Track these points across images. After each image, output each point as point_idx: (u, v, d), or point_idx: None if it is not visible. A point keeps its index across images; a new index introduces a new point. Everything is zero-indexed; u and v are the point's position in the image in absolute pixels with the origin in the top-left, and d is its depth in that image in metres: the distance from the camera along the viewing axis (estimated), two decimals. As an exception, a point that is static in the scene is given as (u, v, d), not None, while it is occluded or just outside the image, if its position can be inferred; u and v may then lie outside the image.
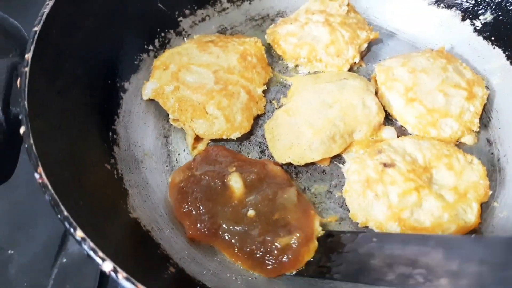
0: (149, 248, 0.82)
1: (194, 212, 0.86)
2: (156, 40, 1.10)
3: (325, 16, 1.14)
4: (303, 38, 1.13)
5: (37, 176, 0.67)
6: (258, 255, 0.82)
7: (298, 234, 0.81)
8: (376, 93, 1.06)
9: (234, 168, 0.90)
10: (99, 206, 0.80)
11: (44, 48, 0.81)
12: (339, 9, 1.17)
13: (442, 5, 1.18)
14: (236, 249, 0.83)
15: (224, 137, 0.99)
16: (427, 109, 1.01)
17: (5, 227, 1.08)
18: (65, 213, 0.64)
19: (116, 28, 1.01)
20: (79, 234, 0.62)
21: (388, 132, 1.02)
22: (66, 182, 0.73)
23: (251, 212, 0.85)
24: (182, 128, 1.03)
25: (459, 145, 1.01)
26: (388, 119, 1.06)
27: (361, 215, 0.90)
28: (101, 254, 0.61)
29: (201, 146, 1.01)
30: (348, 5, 1.18)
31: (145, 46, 1.09)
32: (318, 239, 0.84)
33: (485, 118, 1.05)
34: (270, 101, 1.09)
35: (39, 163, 0.68)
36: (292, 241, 0.81)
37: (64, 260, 0.97)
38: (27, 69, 0.77)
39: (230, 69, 1.06)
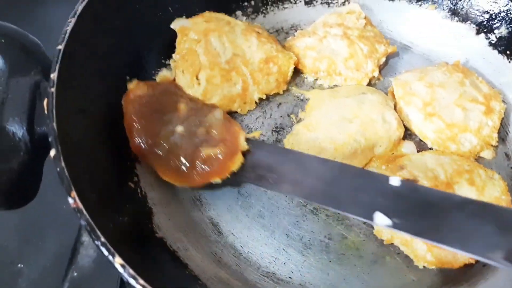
0: (179, 269, 0.81)
1: (139, 126, 0.91)
2: (173, 54, 1.09)
3: (343, 29, 1.14)
4: (322, 52, 1.13)
5: (71, 201, 0.66)
6: (184, 167, 0.88)
7: (222, 147, 0.90)
8: (395, 108, 1.07)
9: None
10: (127, 227, 0.79)
11: (68, 66, 0.80)
12: (357, 22, 1.17)
13: (456, 18, 1.19)
14: (165, 164, 0.89)
15: None
16: (446, 124, 1.02)
17: (14, 240, 1.07)
18: (103, 239, 0.63)
19: (135, 44, 1.01)
20: (119, 261, 0.61)
21: (408, 146, 1.02)
22: (96, 205, 0.72)
23: (179, 128, 0.92)
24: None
25: (478, 159, 1.02)
26: (407, 133, 1.06)
27: (386, 232, 0.90)
28: (141, 281, 0.60)
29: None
30: (365, 18, 1.18)
31: (163, 61, 1.09)
32: (244, 153, 0.92)
33: (502, 133, 1.06)
34: (288, 115, 1.09)
35: (72, 187, 0.67)
36: (218, 152, 0.89)
37: (75, 274, 0.96)
38: (53, 89, 0.76)
39: (247, 61, 1.07)
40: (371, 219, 0.73)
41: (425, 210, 0.72)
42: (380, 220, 0.72)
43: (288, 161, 0.86)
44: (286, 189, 0.84)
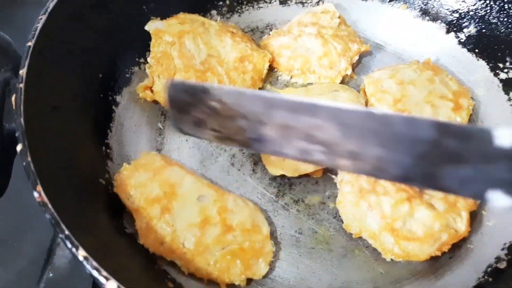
0: (148, 265, 0.82)
1: None
2: (147, 53, 1.09)
3: (318, 29, 1.16)
4: (296, 50, 1.14)
5: (36, 194, 0.66)
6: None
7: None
8: (366, 105, 1.08)
9: None
10: (96, 222, 0.80)
11: (39, 63, 0.81)
12: (331, 21, 1.19)
13: (427, 18, 1.21)
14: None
15: (167, 109, 1.00)
16: (416, 120, 1.04)
17: (-11, 243, 1.07)
18: (67, 232, 0.63)
19: (109, 42, 1.01)
20: (82, 253, 0.62)
21: (379, 143, 1.04)
22: (64, 200, 0.72)
23: None
24: (173, 140, 1.04)
25: (447, 155, 1.04)
26: (378, 130, 1.08)
27: (355, 226, 0.92)
28: (104, 273, 0.61)
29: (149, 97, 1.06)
30: (339, 17, 1.20)
31: (137, 59, 1.10)
32: None
33: (471, 129, 1.08)
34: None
35: (38, 181, 0.67)
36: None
37: (51, 274, 0.96)
38: (22, 85, 0.76)
39: (222, 61, 1.09)
40: (488, 199, 0.52)
41: None
42: (501, 200, 0.52)
43: (324, 123, 0.60)
44: (346, 166, 0.61)
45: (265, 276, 0.86)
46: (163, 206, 0.85)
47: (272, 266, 0.88)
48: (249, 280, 0.85)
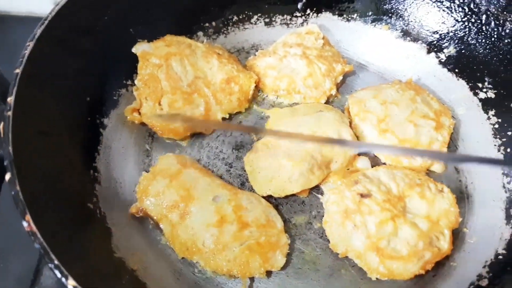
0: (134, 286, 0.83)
1: None
2: (135, 75, 1.10)
3: (302, 49, 1.19)
4: (282, 71, 1.17)
5: (25, 224, 0.67)
6: None
7: None
8: (350, 125, 1.11)
9: None
10: (86, 249, 0.80)
11: (26, 90, 0.82)
12: (315, 42, 1.21)
13: (408, 38, 1.25)
14: None
15: (155, 130, 1.06)
16: (399, 139, 1.06)
17: (-24, 263, 1.06)
18: (56, 261, 0.64)
19: (97, 67, 1.03)
20: (71, 283, 0.63)
21: (363, 162, 1.06)
22: (53, 227, 0.73)
23: None
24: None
25: (429, 173, 1.07)
26: (362, 149, 1.10)
27: (341, 246, 0.93)
28: (94, 302, 0.62)
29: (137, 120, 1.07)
30: (323, 38, 1.22)
31: (124, 81, 1.11)
32: None
33: (452, 147, 1.12)
34: (249, 133, 1.12)
35: (27, 211, 0.68)
36: None
37: (38, 294, 0.97)
38: (10, 113, 0.77)
39: (209, 82, 1.11)
40: None
41: None
42: None
43: None
44: None
45: (253, 297, 0.87)
46: (181, 211, 0.92)
47: (259, 287, 0.90)
48: (269, 273, 0.90)
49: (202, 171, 1.00)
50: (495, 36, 1.11)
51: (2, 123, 0.76)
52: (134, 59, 1.09)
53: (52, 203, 0.78)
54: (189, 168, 0.98)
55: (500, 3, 1.09)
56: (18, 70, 0.83)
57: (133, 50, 1.09)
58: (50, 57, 0.91)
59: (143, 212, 0.95)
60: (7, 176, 0.71)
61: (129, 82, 1.11)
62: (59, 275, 0.63)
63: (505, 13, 1.09)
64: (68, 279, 0.63)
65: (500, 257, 0.92)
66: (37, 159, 0.81)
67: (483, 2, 1.12)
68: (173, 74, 1.08)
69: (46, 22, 0.90)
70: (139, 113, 1.07)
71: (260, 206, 0.95)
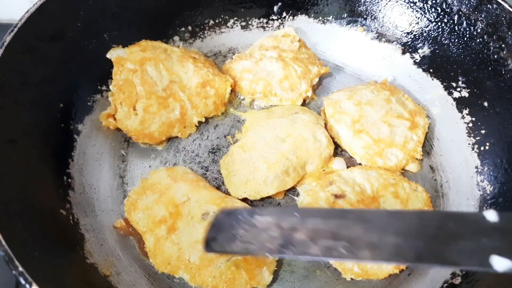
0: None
1: None
2: (109, 80, 1.10)
3: (278, 52, 1.19)
4: (258, 74, 1.17)
5: (-11, 231, 0.67)
6: None
7: None
8: (326, 126, 1.11)
9: None
10: (55, 254, 0.80)
11: (-5, 97, 0.82)
12: (291, 45, 1.22)
13: (383, 39, 1.25)
14: None
15: (130, 136, 1.06)
16: (373, 140, 1.07)
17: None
18: (20, 268, 0.64)
19: (70, 73, 1.03)
20: (35, 290, 0.62)
21: (338, 163, 1.07)
22: (20, 234, 0.73)
23: None
24: (136, 166, 1.05)
25: (404, 173, 1.07)
26: (338, 150, 1.10)
27: (315, 247, 0.93)
28: (57, 309, 0.61)
29: (112, 125, 1.07)
30: (299, 41, 1.23)
31: (99, 87, 1.10)
32: None
33: (427, 146, 1.12)
34: (225, 136, 1.12)
35: (-8, 218, 0.67)
36: None
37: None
38: (-22, 121, 0.77)
39: (184, 86, 1.10)
40: (489, 266, 0.60)
41: None
42: (500, 264, 0.60)
43: (351, 222, 0.71)
44: (365, 256, 0.67)
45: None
46: (169, 226, 0.90)
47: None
48: None
49: (193, 183, 0.98)
50: (467, 35, 1.12)
51: (-32, 131, 0.76)
52: (109, 64, 1.08)
53: (20, 210, 0.78)
54: (179, 182, 0.97)
55: (471, 3, 1.10)
56: (-14, 78, 0.82)
57: (108, 55, 1.08)
58: (20, 64, 0.91)
59: (126, 229, 0.94)
60: (-28, 184, 0.71)
61: (103, 88, 1.11)
62: (23, 281, 0.63)
63: (476, 12, 1.10)
64: (32, 285, 0.62)
65: (473, 254, 0.92)
66: (6, 166, 0.81)
67: (455, 2, 1.12)
68: (148, 79, 1.08)
69: (16, 29, 0.90)
70: (114, 119, 1.06)
71: None
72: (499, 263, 0.60)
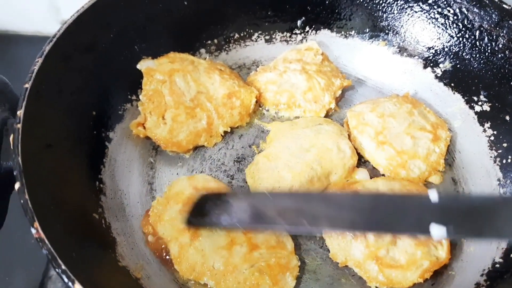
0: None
1: None
2: (139, 90, 1.14)
3: (302, 65, 1.22)
4: (282, 86, 1.20)
5: (33, 231, 0.69)
6: None
7: None
8: (349, 137, 1.14)
9: None
10: (90, 256, 0.82)
11: (35, 104, 0.85)
12: (314, 58, 1.25)
13: (405, 54, 1.28)
14: None
15: (158, 144, 1.09)
16: (397, 151, 1.09)
17: (-19, 276, 1.08)
18: (63, 266, 0.66)
19: (102, 82, 1.06)
20: (78, 287, 0.65)
21: (362, 174, 1.08)
22: (59, 235, 0.75)
23: None
24: (164, 173, 1.08)
25: (427, 184, 1.09)
26: (361, 161, 1.12)
27: (340, 255, 0.95)
28: (99, 306, 0.64)
29: (142, 133, 1.10)
30: (322, 54, 1.26)
31: (129, 96, 1.14)
32: None
33: (449, 159, 1.14)
34: (250, 146, 1.15)
35: (35, 218, 0.70)
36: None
37: (42, 309, 0.98)
38: (19, 126, 0.80)
39: (211, 97, 1.13)
40: (428, 232, 0.74)
41: (471, 214, 0.77)
42: (436, 231, 0.73)
43: (315, 202, 0.86)
44: (324, 225, 0.84)
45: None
46: (192, 233, 0.92)
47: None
48: None
49: (214, 192, 1.00)
50: (489, 51, 1.14)
51: (12, 135, 0.79)
52: (139, 75, 1.12)
53: (58, 212, 0.80)
54: (200, 191, 0.99)
55: (493, 19, 1.12)
56: (27, 85, 0.86)
57: (138, 66, 1.12)
58: (57, 72, 0.94)
59: (155, 243, 0.96)
60: (17, 186, 0.74)
61: (133, 97, 1.15)
62: (65, 279, 0.65)
63: (497, 28, 1.12)
64: (75, 284, 0.65)
65: (497, 265, 0.93)
66: (44, 170, 0.83)
67: (476, 18, 1.15)
68: (176, 89, 1.11)
69: (54, 39, 0.94)
70: (144, 127, 1.10)
71: None
72: (436, 231, 0.73)
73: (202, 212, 0.86)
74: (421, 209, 0.79)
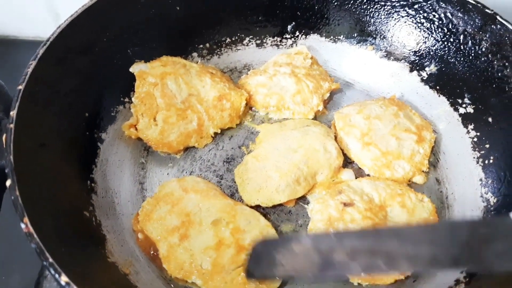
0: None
1: None
2: (132, 93, 1.17)
3: (291, 68, 1.25)
4: (272, 89, 1.23)
5: (23, 226, 0.72)
6: None
7: None
8: (336, 138, 1.16)
9: None
10: (80, 252, 0.85)
11: (28, 105, 0.88)
12: (304, 62, 1.28)
13: (392, 58, 1.31)
14: None
15: (150, 145, 1.12)
16: (382, 152, 1.11)
17: (-23, 275, 1.10)
18: (50, 259, 0.69)
19: (96, 85, 1.09)
20: (64, 279, 0.68)
21: (347, 174, 1.11)
22: (49, 231, 0.78)
23: None
24: (155, 174, 1.11)
25: (411, 184, 1.11)
26: (347, 161, 1.15)
27: (324, 252, 0.97)
28: (84, 298, 0.66)
29: (133, 135, 1.13)
30: (311, 58, 1.29)
31: (121, 99, 1.17)
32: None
33: (433, 160, 1.17)
34: (239, 147, 1.18)
35: (25, 214, 0.73)
36: None
37: (38, 307, 1.00)
38: (12, 126, 0.83)
39: (202, 99, 1.17)
40: None
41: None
42: None
43: (386, 238, 0.74)
44: (404, 266, 0.72)
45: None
46: (181, 234, 0.95)
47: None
48: None
49: (203, 193, 1.03)
50: (473, 54, 1.17)
51: (4, 135, 0.82)
52: (132, 78, 1.15)
53: (49, 209, 0.83)
54: (190, 193, 1.02)
55: (476, 23, 1.15)
56: (20, 87, 0.89)
57: (131, 69, 1.15)
58: (50, 75, 0.97)
59: (144, 241, 0.98)
60: (8, 183, 0.77)
61: (126, 99, 1.18)
62: (52, 271, 0.68)
63: (481, 33, 1.15)
64: (61, 276, 0.68)
65: (477, 262, 0.96)
66: (36, 169, 0.86)
67: (460, 23, 1.18)
68: (168, 92, 1.14)
69: (48, 43, 0.97)
70: (136, 129, 1.13)
71: (257, 226, 0.98)
72: None
73: (264, 262, 0.78)
74: (507, 235, 0.68)
